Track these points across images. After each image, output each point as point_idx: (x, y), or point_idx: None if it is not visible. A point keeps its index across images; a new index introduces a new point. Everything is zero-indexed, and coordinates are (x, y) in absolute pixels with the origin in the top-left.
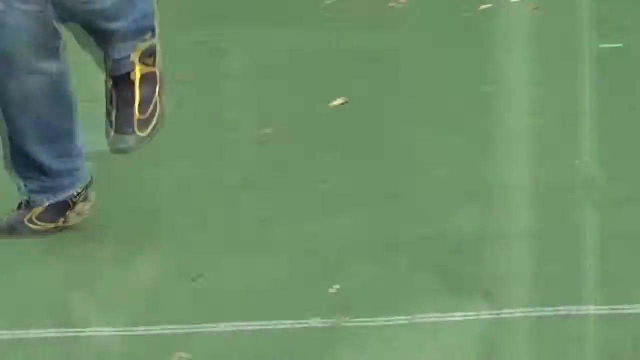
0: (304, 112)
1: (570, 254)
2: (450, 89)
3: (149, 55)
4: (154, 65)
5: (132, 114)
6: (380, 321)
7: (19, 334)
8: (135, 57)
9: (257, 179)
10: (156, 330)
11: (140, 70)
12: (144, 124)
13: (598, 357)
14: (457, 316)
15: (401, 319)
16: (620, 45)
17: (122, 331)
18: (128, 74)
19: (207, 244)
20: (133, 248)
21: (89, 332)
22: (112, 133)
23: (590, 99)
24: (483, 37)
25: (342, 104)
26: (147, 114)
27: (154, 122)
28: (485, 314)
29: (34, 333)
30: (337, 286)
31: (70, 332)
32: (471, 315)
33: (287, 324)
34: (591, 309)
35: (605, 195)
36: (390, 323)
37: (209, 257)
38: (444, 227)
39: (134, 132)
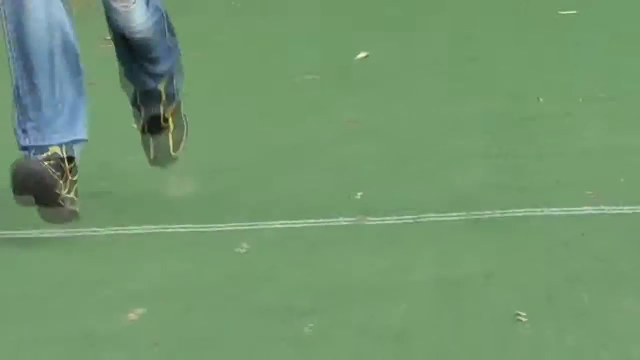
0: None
1: (531, 168)
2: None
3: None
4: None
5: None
6: (391, 220)
7: (117, 229)
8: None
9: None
10: (222, 227)
11: (171, 118)
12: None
13: (554, 246)
14: (453, 216)
15: (408, 219)
16: (575, 12)
17: (194, 228)
18: (161, 124)
19: (259, 162)
20: (203, 168)
21: (170, 229)
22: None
23: (550, 53)
24: (460, 6)
25: (365, 56)
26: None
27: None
28: (473, 215)
29: (130, 229)
30: (360, 193)
31: (159, 229)
32: (462, 216)
33: (322, 221)
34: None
35: (554, 124)
36: (399, 221)
37: (262, 172)
38: (439, 148)
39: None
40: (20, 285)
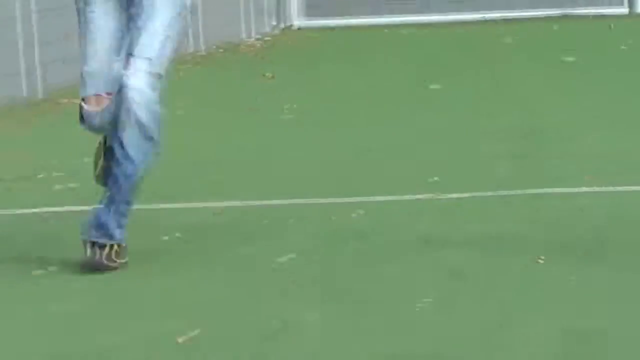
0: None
1: (544, 163)
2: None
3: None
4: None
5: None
6: (455, 196)
7: (269, 202)
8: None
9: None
10: (343, 199)
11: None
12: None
13: (561, 215)
14: (490, 194)
15: (466, 195)
16: (574, 58)
17: (325, 200)
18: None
19: (367, 156)
20: (330, 160)
21: (306, 201)
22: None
23: (556, 85)
24: (493, 55)
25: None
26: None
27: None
28: (504, 193)
29: (279, 202)
30: (436, 178)
31: (298, 201)
32: (497, 194)
33: (411, 196)
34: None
35: (560, 134)
36: (460, 197)
37: (369, 163)
38: (481, 149)
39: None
40: (202, 239)
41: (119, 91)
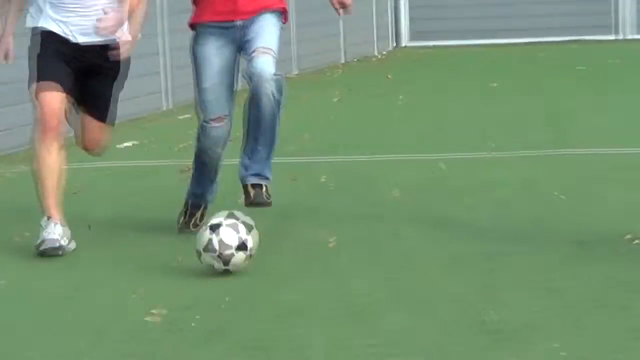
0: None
1: (562, 138)
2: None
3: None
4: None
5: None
6: (505, 154)
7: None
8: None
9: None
10: (428, 156)
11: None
12: None
13: (570, 168)
14: (524, 152)
15: (515, 153)
16: (585, 67)
17: (418, 156)
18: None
19: (441, 125)
20: (422, 130)
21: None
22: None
23: (571, 87)
24: (529, 67)
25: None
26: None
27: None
28: (534, 153)
29: (384, 156)
30: (493, 145)
31: (388, 157)
32: (531, 153)
33: (476, 154)
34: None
35: (574, 119)
36: (506, 155)
37: (445, 129)
38: (523, 125)
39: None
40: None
41: (252, 70)
